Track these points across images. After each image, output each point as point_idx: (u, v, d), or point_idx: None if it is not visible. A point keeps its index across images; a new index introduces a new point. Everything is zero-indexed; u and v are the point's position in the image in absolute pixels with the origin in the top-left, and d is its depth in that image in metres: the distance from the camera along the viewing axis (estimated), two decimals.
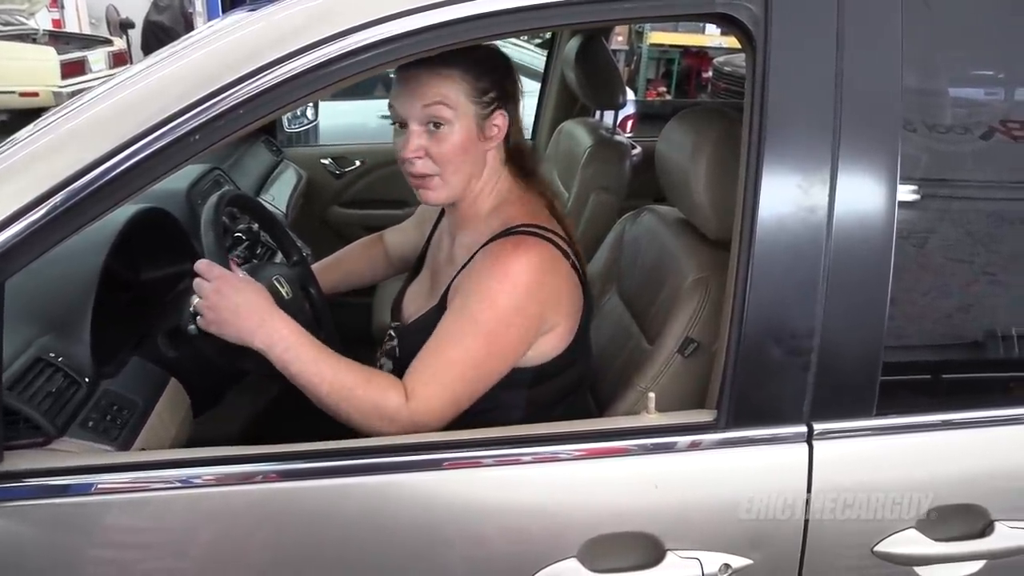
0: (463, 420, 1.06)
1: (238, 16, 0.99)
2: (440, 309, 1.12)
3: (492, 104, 1.11)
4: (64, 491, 0.87)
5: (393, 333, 1.28)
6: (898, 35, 0.91)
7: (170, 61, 0.92)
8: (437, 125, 1.08)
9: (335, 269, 1.53)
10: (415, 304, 1.27)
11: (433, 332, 1.07)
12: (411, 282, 1.35)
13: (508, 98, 1.14)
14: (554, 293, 1.09)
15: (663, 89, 7.81)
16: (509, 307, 1.05)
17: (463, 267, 1.13)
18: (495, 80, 1.12)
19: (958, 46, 1.02)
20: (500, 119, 1.13)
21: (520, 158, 1.20)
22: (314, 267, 1.48)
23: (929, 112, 1.00)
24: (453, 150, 1.09)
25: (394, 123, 1.13)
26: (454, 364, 1.04)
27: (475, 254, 1.12)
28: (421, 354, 1.06)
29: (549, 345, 1.12)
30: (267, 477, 0.89)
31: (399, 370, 1.09)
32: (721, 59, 6.75)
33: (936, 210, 1.02)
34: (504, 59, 1.16)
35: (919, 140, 0.97)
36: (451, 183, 1.12)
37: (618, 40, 7.38)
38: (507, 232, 1.10)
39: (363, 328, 2.05)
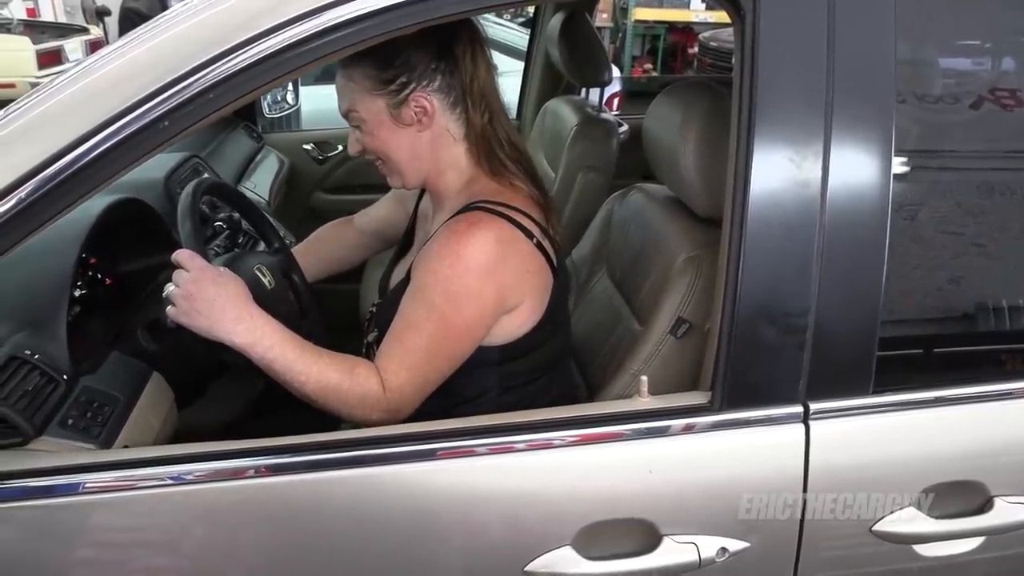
0: (438, 403, 1.07)
1: None
2: (407, 282, 1.11)
3: (404, 90, 1.08)
4: (49, 492, 0.85)
5: (374, 310, 1.27)
6: (892, 2, 0.88)
7: (137, 45, 0.89)
8: (358, 125, 1.13)
9: (308, 255, 1.49)
10: (396, 279, 1.26)
11: (396, 313, 1.07)
12: (400, 259, 1.34)
13: (429, 77, 1.09)
14: (512, 271, 1.07)
15: (649, 66, 7.73)
16: (462, 289, 1.04)
17: (427, 241, 1.12)
18: (405, 64, 1.08)
19: (954, 14, 1.00)
20: (423, 101, 1.09)
21: (487, 147, 1.14)
22: None
23: (925, 82, 0.98)
24: (379, 143, 1.13)
25: None
26: (419, 348, 1.05)
27: (438, 229, 1.10)
28: (388, 338, 1.07)
29: (514, 324, 1.11)
30: (259, 471, 0.87)
31: (380, 340, 1.09)
32: (707, 34, 6.72)
33: (932, 182, 1.01)
34: (419, 42, 1.07)
35: (914, 111, 0.95)
36: (398, 170, 1.15)
37: (602, 17, 7.31)
38: (467, 208, 1.09)
39: (351, 315, 2.02)
